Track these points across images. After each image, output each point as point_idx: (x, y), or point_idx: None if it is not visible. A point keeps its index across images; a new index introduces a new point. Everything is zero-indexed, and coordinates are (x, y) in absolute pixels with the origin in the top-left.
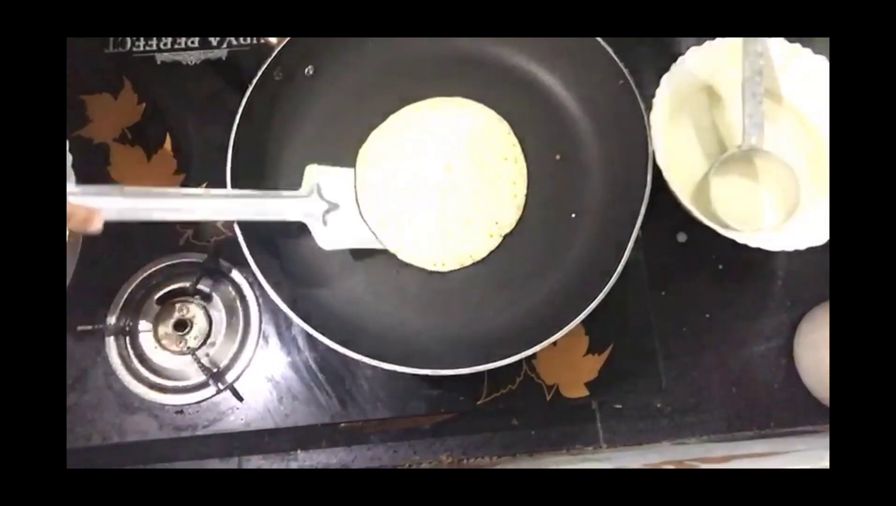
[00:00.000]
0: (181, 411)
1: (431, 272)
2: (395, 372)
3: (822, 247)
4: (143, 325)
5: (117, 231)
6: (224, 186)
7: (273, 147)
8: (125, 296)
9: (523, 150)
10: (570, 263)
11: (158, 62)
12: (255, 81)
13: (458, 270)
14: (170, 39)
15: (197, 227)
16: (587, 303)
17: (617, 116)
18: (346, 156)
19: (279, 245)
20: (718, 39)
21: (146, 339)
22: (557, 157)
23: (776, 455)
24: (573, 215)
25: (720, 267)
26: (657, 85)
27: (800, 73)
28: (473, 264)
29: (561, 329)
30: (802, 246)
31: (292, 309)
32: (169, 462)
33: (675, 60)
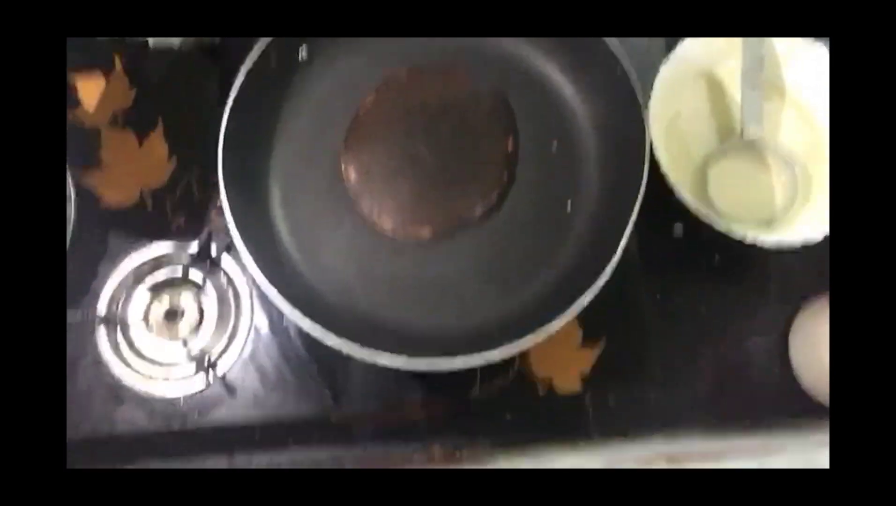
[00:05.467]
0: (171, 402)
1: (426, 258)
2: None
3: (819, 242)
4: (134, 314)
5: (108, 217)
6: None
7: (266, 132)
8: (115, 284)
9: (520, 138)
10: (565, 254)
11: (151, 46)
12: (248, 66)
13: (453, 256)
14: None
15: (190, 214)
16: (582, 296)
17: (614, 105)
18: (339, 142)
19: (272, 234)
20: None
21: (136, 328)
22: (554, 145)
23: (770, 453)
24: (568, 205)
25: (716, 260)
26: (656, 74)
27: (802, 65)
28: (467, 252)
29: (555, 323)
30: (799, 241)
31: (284, 299)
32: (159, 456)
33: (673, 49)
